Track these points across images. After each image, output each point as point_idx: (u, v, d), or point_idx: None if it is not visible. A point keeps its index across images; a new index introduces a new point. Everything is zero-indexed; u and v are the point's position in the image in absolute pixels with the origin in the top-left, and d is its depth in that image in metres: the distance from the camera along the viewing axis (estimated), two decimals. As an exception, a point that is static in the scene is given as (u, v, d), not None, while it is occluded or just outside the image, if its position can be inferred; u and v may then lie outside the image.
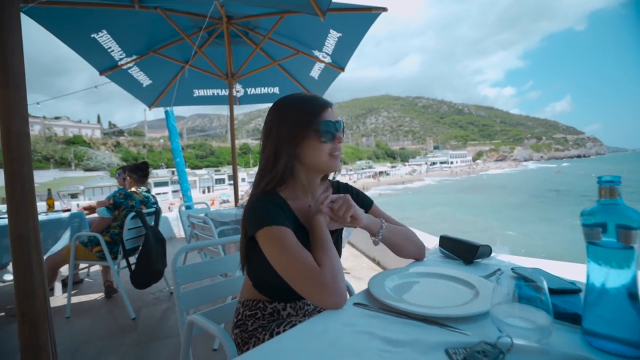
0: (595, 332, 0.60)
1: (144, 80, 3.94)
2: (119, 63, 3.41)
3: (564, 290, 0.79)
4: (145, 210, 2.90)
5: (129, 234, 2.77)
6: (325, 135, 0.98)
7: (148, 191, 3.12)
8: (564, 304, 0.71)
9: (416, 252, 1.11)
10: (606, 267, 0.58)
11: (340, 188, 1.20)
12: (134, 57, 3.49)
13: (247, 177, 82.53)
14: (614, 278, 0.58)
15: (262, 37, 3.70)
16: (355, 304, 0.80)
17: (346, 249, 4.29)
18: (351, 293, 1.30)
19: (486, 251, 1.13)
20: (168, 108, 5.99)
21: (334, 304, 0.79)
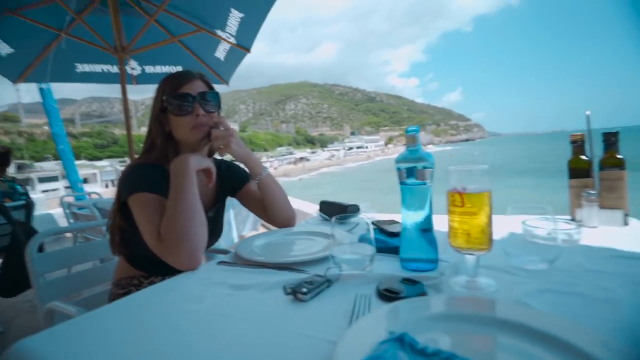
0: (406, 258, 0.74)
1: (2, 47, 3.25)
2: (-41, 23, 2.75)
3: (399, 233, 0.95)
4: (10, 204, 2.46)
5: (-14, 233, 2.33)
6: (178, 108, 0.97)
7: (14, 180, 2.64)
8: (394, 241, 0.86)
9: (286, 217, 1.14)
10: (412, 206, 0.72)
11: (222, 165, 1.20)
12: (-18, 16, 2.85)
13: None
14: (414, 217, 0.71)
15: (157, 7, 3.35)
16: (219, 262, 0.83)
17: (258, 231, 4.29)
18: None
19: (354, 210, 1.26)
20: (43, 85, 5.06)
21: (178, 263, 0.77)
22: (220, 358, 0.44)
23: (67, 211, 3.19)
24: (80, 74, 4.09)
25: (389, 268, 0.75)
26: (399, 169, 0.72)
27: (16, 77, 3.78)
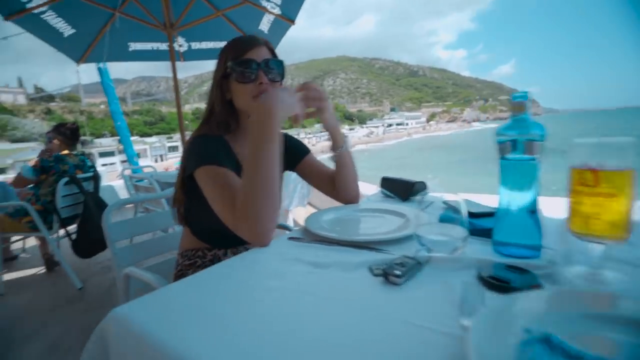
0: (502, 242, 0.66)
1: (65, 29, 3.43)
2: (28, 6, 2.92)
3: (483, 214, 0.86)
4: (81, 175, 2.67)
5: (63, 202, 2.54)
6: (241, 75, 0.93)
7: (84, 154, 2.85)
8: (481, 223, 0.77)
9: (354, 194, 1.11)
10: (516, 185, 0.62)
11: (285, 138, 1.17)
12: (47, -2, 3.01)
13: (202, 143, 78.53)
14: (517, 197, 0.62)
15: (202, -19, 3.35)
16: (290, 238, 0.80)
17: (306, 210, 4.33)
18: (289, 229, 1.32)
19: (421, 187, 1.18)
20: (100, 64, 5.36)
21: (254, 237, 0.73)
22: (326, 341, 0.41)
23: (129, 183, 3.41)
24: (133, 53, 4.26)
25: (479, 252, 0.67)
26: (500, 142, 0.62)
27: (78, 58, 4.01)
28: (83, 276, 2.75)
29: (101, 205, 2.66)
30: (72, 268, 2.57)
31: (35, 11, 3.02)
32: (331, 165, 1.12)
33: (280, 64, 0.98)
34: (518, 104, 0.61)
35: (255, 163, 0.74)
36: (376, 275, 0.57)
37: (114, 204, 1.26)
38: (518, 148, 0.60)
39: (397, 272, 0.54)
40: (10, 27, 3.02)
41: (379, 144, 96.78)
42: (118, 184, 5.86)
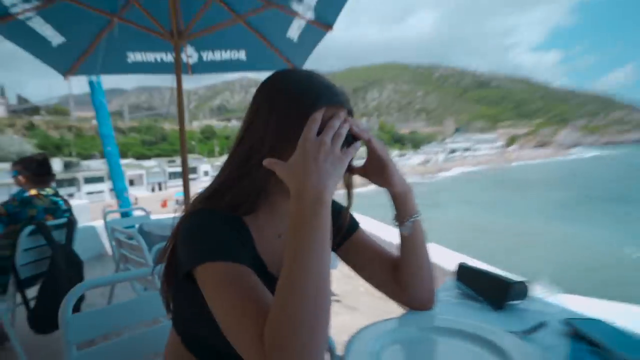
0: None
1: (54, 37, 3.71)
2: (12, 11, 3.18)
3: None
4: (52, 222, 2.73)
5: (24, 257, 2.59)
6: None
7: (57, 194, 2.94)
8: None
9: (427, 295, 1.01)
10: None
11: None
12: (35, 2, 3.26)
13: (211, 169, 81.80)
14: None
15: (220, -20, 3.54)
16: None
17: (336, 273, 4.22)
18: (332, 352, 1.19)
19: (523, 290, 1.06)
20: (93, 77, 5.75)
21: None
22: None
23: (110, 234, 3.47)
24: (132, 65, 4.53)
25: None
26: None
27: (66, 70, 4.30)
28: (38, 358, 2.73)
29: (73, 262, 2.69)
30: (23, 347, 2.53)
31: (21, 17, 3.28)
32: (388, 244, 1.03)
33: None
34: None
35: (300, 273, 0.69)
36: None
37: (80, 286, 1.21)
38: None
39: None
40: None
41: (438, 174, 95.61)
42: (101, 225, 6.04)
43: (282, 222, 0.98)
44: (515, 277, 1.07)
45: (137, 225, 3.86)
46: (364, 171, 0.96)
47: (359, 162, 0.97)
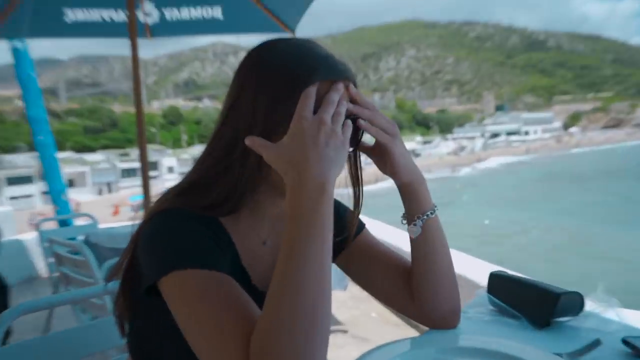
0: None
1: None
2: None
3: None
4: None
5: None
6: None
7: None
8: None
9: (451, 307, 1.05)
10: None
11: None
12: None
13: (177, 165, 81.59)
14: None
15: None
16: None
17: (346, 295, 4.26)
18: None
19: (575, 303, 1.09)
20: (17, 43, 5.76)
21: None
22: None
23: (46, 245, 3.51)
24: (72, 25, 4.53)
25: None
26: None
27: (-21, 31, 4.32)
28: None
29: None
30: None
31: None
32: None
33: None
34: None
35: (297, 275, 0.74)
36: None
37: (8, 314, 1.23)
38: None
39: None
40: None
41: (476, 166, 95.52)
42: (31, 238, 6.07)
43: (269, 226, 1.02)
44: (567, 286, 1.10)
45: (80, 237, 3.90)
46: (371, 151, 1.01)
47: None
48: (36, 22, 4.32)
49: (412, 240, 1.04)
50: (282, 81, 0.88)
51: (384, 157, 0.98)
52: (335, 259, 1.13)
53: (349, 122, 0.87)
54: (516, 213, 35.42)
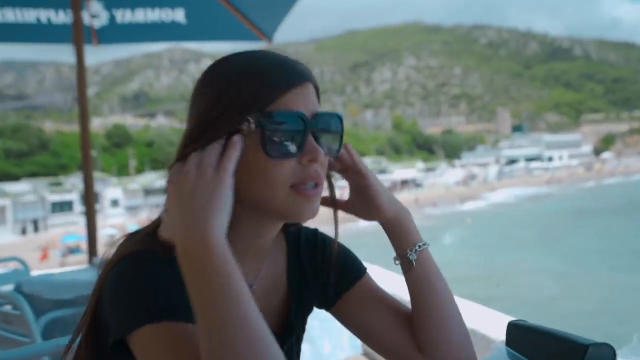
0: None
1: None
2: None
3: None
4: None
5: None
6: (275, 144, 0.95)
7: None
8: None
9: (457, 353, 1.11)
10: None
11: (302, 241, 1.24)
12: None
13: (123, 197, 79.69)
14: None
15: None
16: None
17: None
18: None
19: (605, 356, 1.14)
20: None
21: None
22: None
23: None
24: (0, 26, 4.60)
25: None
26: None
27: None
28: None
29: None
30: None
31: None
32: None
33: (339, 121, 1.05)
34: None
35: (223, 342, 0.77)
36: None
37: None
38: None
39: None
40: None
41: (488, 195, 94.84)
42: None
43: (255, 266, 1.10)
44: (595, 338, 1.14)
45: (8, 286, 3.86)
46: (349, 205, 1.11)
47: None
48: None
49: (407, 279, 1.11)
50: (231, 93, 0.96)
51: (360, 199, 1.08)
52: (332, 305, 1.21)
53: (233, 139, 0.91)
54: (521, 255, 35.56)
